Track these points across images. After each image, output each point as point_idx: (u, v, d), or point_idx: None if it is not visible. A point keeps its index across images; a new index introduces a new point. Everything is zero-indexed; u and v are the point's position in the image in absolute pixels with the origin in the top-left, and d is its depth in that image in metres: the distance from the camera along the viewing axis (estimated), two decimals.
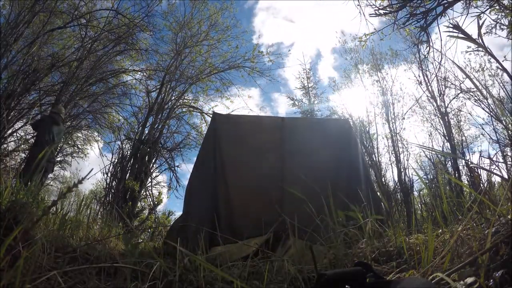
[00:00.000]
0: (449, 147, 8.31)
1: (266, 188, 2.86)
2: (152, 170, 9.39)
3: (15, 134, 8.35)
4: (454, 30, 1.47)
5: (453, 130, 8.66)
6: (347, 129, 3.35)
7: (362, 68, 10.61)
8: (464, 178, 7.17)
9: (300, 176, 2.51)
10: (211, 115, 3.43)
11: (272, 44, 11.00)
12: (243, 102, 14.45)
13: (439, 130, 8.90)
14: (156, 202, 8.55)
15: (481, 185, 1.58)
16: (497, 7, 4.25)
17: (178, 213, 8.96)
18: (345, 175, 2.96)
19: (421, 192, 7.48)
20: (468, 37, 1.43)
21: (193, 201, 3.17)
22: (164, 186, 9.70)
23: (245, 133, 3.12)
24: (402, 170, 8.58)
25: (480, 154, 1.60)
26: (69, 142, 10.01)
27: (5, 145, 7.73)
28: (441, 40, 3.82)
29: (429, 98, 8.74)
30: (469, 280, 0.87)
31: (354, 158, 3.10)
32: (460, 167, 7.54)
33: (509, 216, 1.06)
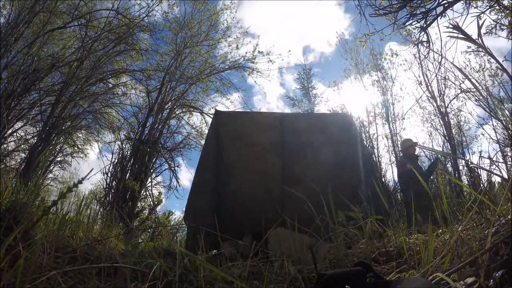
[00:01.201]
0: (449, 147, 8.31)
1: (267, 185, 2.86)
2: (152, 170, 9.38)
3: (15, 134, 8.36)
4: (454, 31, 1.48)
5: (453, 130, 8.67)
6: (348, 123, 3.32)
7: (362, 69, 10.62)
8: (464, 178, 7.18)
9: (300, 173, 2.52)
10: (211, 115, 3.44)
11: (238, 58, 11.05)
12: (243, 102, 14.45)
13: (439, 130, 8.92)
14: (156, 202, 8.54)
15: (481, 185, 1.58)
16: (497, 7, 4.24)
17: (178, 213, 8.98)
18: (345, 172, 2.95)
19: None
20: (468, 38, 1.43)
21: (196, 199, 3.17)
22: (164, 186, 9.70)
23: (246, 130, 3.12)
24: None
25: (480, 154, 1.60)
26: (69, 142, 10.00)
27: (5, 145, 7.74)
28: (441, 40, 3.81)
29: (429, 98, 8.75)
30: (469, 280, 0.87)
31: (355, 153, 3.08)
32: (460, 167, 7.55)
33: (509, 216, 1.06)
